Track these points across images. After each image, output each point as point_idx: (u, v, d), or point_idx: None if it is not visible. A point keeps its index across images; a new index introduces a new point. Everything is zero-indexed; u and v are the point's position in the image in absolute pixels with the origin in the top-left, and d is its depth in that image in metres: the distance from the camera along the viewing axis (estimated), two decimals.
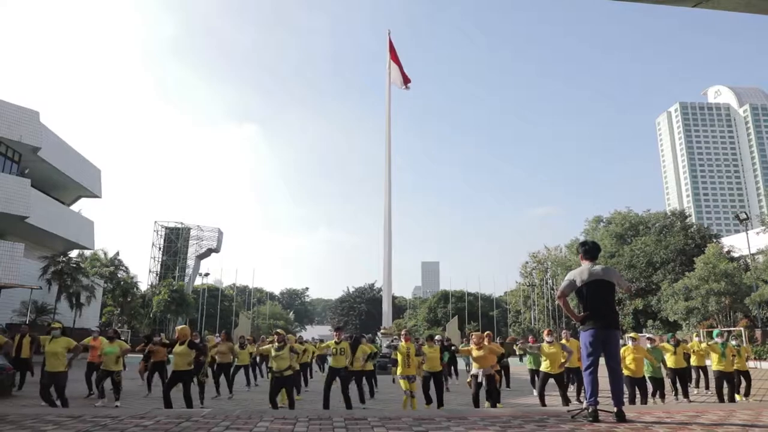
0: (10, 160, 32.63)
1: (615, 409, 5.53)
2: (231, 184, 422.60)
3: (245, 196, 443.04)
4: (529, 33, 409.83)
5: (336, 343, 10.78)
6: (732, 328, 35.08)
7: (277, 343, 9.70)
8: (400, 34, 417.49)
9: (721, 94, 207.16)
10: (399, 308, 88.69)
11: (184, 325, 10.49)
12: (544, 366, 10.57)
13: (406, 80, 32.09)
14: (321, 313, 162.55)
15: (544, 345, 10.68)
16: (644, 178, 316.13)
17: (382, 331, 30.07)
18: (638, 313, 49.40)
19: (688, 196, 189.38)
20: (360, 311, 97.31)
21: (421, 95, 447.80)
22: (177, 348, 9.85)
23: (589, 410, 5.52)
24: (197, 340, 12.76)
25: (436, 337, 14.51)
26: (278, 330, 10.43)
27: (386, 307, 31.35)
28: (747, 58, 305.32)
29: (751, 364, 28.97)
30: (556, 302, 57.47)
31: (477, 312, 69.22)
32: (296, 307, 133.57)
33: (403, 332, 11.11)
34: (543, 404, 10.25)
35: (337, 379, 10.61)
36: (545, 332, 11.25)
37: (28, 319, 32.38)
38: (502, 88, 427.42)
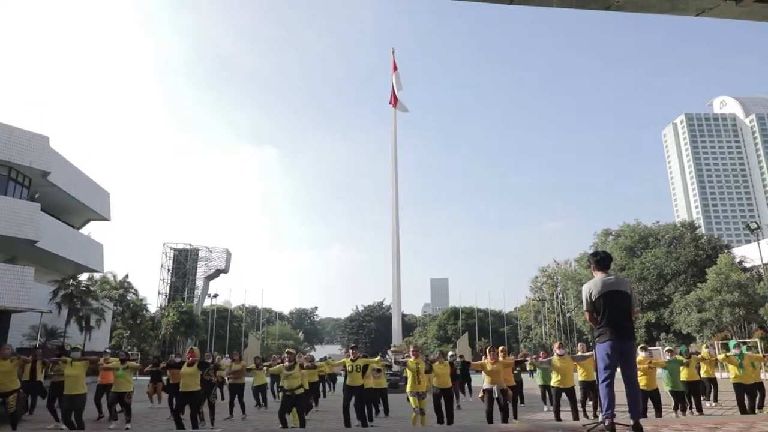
0: (21, 185, 32.94)
1: (631, 422, 5.42)
2: (239, 204, 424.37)
3: (253, 217, 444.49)
4: (533, 47, 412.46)
5: (352, 361, 10.79)
6: (747, 340, 34.59)
7: (288, 362, 9.76)
8: (410, 50, 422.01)
9: (726, 105, 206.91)
10: (409, 326, 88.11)
11: (194, 347, 10.49)
12: (555, 381, 10.29)
13: (393, 100, 32.42)
14: (330, 333, 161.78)
15: (555, 359, 10.42)
16: (652, 190, 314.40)
17: (392, 348, 29.91)
18: (651, 326, 48.80)
19: (696, 207, 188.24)
20: (370, 329, 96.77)
21: (431, 111, 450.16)
22: (186, 369, 9.83)
23: (606, 423, 5.42)
24: (209, 360, 12.71)
25: (449, 354, 14.39)
26: (289, 349, 10.49)
27: (396, 325, 31.22)
28: (751, 67, 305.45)
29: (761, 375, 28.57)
30: (576, 316, 56.77)
31: (487, 328, 68.66)
32: (306, 326, 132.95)
33: (411, 349, 11.05)
34: (558, 419, 10.06)
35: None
36: (556, 345, 10.93)
37: (39, 342, 32.43)
38: (508, 102, 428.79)
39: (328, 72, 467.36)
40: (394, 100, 32.54)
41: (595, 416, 11.54)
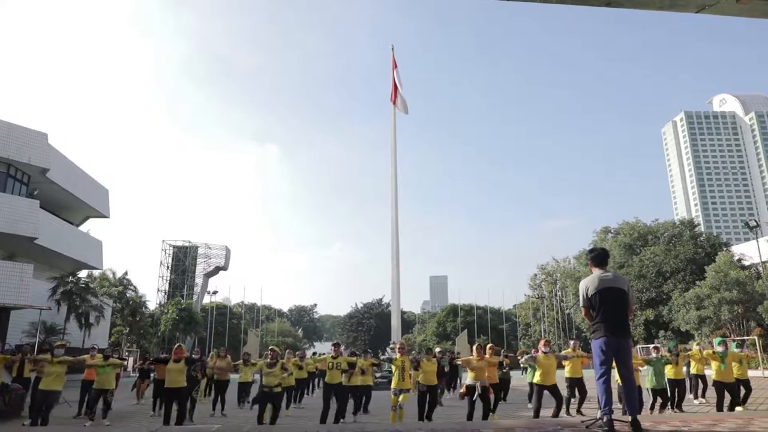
0: (19, 182, 32.87)
1: (630, 419, 5.43)
2: (238, 201, 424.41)
3: (253, 214, 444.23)
4: (534, 44, 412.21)
5: (333, 358, 10.77)
6: (746, 337, 34.67)
7: (269, 359, 9.91)
8: (411, 49, 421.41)
9: (726, 103, 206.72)
10: (408, 323, 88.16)
11: (182, 344, 10.50)
12: (537, 378, 10.19)
13: (394, 96, 32.34)
14: (330, 330, 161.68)
15: (540, 356, 10.32)
16: (652, 188, 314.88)
17: (391, 346, 29.90)
18: (649, 323, 48.86)
19: (696, 204, 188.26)
20: (369, 327, 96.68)
21: (432, 110, 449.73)
22: (172, 365, 9.78)
23: (604, 420, 5.41)
24: (197, 356, 12.67)
25: (437, 350, 14.32)
26: (272, 347, 10.63)
27: (395, 322, 31.19)
28: (751, 65, 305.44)
29: (758, 372, 28.57)
30: (575, 314, 56.77)
31: (486, 325, 68.73)
32: (305, 323, 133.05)
33: (398, 345, 11.00)
34: (536, 417, 9.85)
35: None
36: (541, 343, 10.86)
37: (38, 339, 32.41)
38: (508, 101, 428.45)
39: (329, 71, 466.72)
40: (395, 97, 32.49)
41: (580, 413, 11.54)
